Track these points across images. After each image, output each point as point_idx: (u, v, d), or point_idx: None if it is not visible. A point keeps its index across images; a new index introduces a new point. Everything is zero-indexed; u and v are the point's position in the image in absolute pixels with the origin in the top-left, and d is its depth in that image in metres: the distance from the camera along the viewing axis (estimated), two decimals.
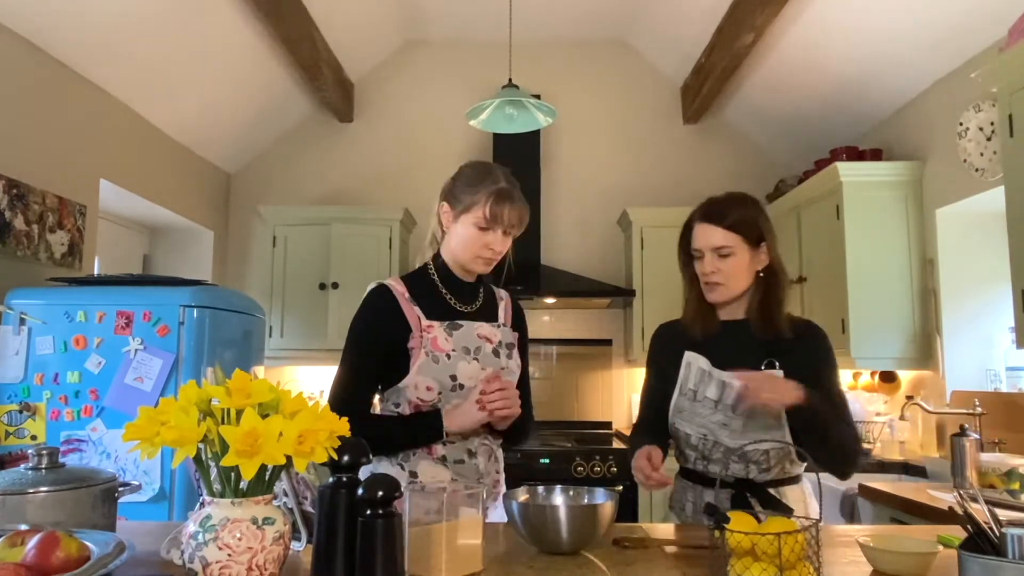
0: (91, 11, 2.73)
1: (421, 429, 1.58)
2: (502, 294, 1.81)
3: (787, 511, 1.50)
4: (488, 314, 1.72)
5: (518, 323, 1.79)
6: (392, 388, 1.63)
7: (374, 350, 1.61)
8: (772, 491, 1.60)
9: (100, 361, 2.42)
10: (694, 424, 1.64)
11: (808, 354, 1.60)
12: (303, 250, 4.01)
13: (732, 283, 1.63)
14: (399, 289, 1.65)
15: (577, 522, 1.25)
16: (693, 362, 1.66)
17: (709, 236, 1.62)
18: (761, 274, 1.65)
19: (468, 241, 1.62)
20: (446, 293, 1.68)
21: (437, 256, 1.71)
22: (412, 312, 1.62)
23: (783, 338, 1.60)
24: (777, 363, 1.58)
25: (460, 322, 1.64)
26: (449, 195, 1.66)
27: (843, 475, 1.60)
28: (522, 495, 1.40)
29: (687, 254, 1.70)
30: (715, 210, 1.63)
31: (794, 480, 1.64)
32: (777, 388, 1.46)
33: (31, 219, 2.69)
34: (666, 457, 1.74)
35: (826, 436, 1.49)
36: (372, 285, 1.68)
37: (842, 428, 1.52)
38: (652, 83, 4.54)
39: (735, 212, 1.61)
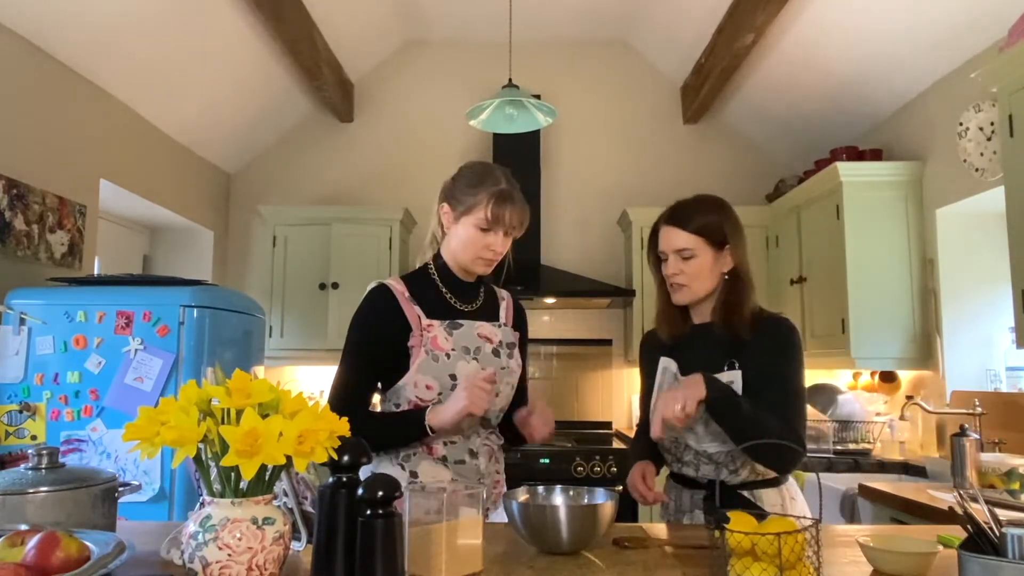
0: (91, 11, 2.73)
1: (404, 426, 1.57)
2: (503, 294, 1.81)
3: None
4: (489, 314, 1.72)
5: (519, 323, 1.79)
6: (392, 388, 1.62)
7: (373, 349, 1.61)
8: (747, 493, 1.60)
9: (100, 361, 2.42)
10: (666, 428, 1.65)
11: (765, 351, 1.59)
12: (303, 250, 4.01)
13: (695, 285, 1.64)
14: (399, 288, 1.64)
15: (577, 522, 1.25)
16: (668, 367, 1.69)
17: (672, 239, 1.64)
18: (726, 276, 1.66)
19: (469, 242, 1.62)
20: (446, 293, 1.68)
21: (437, 256, 1.71)
22: (412, 311, 1.62)
23: (743, 338, 1.60)
24: (737, 363, 1.59)
25: (460, 321, 1.64)
26: (449, 196, 1.66)
27: (779, 471, 1.59)
28: (522, 495, 1.40)
29: (656, 256, 1.72)
30: (680, 213, 1.65)
31: (771, 483, 1.63)
32: (668, 401, 1.45)
33: (31, 219, 2.69)
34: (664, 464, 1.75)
35: (736, 433, 1.45)
36: (372, 285, 1.68)
37: (759, 424, 1.44)
38: (652, 83, 4.54)
39: (699, 216, 1.63)
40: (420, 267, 1.73)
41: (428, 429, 1.53)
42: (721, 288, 1.66)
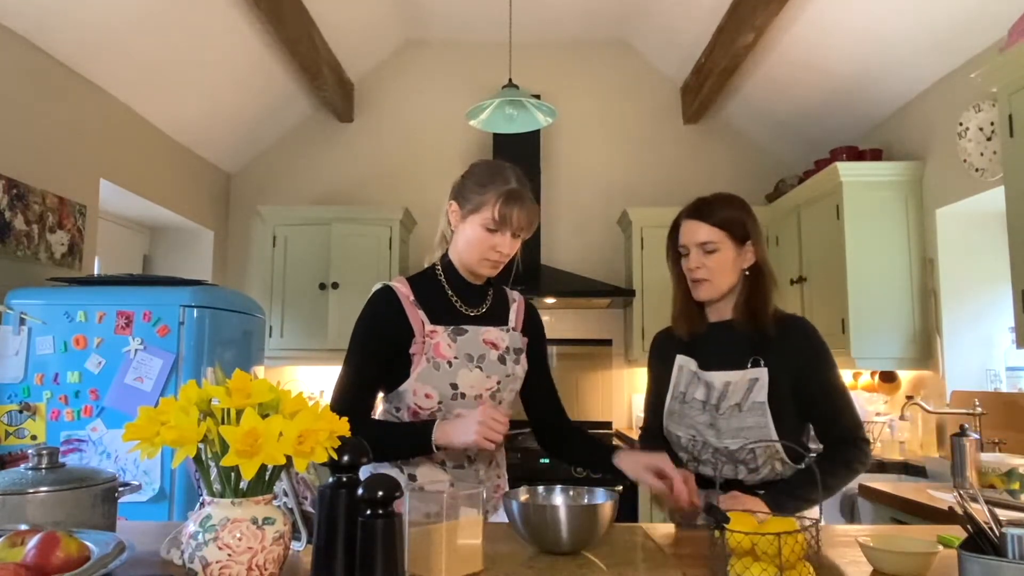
0: (91, 11, 2.73)
1: (410, 439, 1.54)
2: (515, 296, 1.76)
3: None
4: (496, 317, 1.67)
5: (531, 327, 1.74)
6: (394, 391, 1.60)
7: (375, 353, 1.58)
8: (763, 493, 1.59)
9: (100, 361, 2.42)
10: (683, 426, 1.66)
11: (793, 351, 1.60)
12: (303, 250, 4.01)
13: (717, 280, 1.63)
14: (403, 291, 1.60)
15: (577, 522, 1.25)
16: (684, 365, 1.69)
17: (695, 232, 1.64)
18: (747, 273, 1.65)
19: (475, 242, 1.57)
20: (452, 296, 1.63)
21: (444, 257, 1.66)
22: (416, 316, 1.58)
23: (768, 336, 1.60)
24: (762, 360, 1.59)
25: (465, 327, 1.60)
26: (458, 194, 1.61)
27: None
28: (522, 495, 1.39)
29: (675, 252, 1.71)
30: (703, 207, 1.65)
31: None
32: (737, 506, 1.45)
33: (31, 219, 2.69)
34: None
35: (817, 499, 1.50)
36: (377, 286, 1.64)
37: (828, 479, 1.51)
38: (652, 83, 4.54)
39: (721, 210, 1.64)
40: (428, 268, 1.68)
41: (434, 447, 1.49)
42: (743, 285, 1.66)
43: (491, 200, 1.54)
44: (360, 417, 1.56)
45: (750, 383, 1.58)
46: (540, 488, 1.44)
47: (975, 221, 3.07)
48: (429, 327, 1.57)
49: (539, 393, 1.75)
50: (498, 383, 1.61)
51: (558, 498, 1.42)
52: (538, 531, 1.26)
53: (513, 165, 1.63)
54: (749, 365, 1.60)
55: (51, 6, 2.60)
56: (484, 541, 1.18)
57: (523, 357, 1.68)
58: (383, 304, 1.60)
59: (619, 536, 1.42)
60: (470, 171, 1.64)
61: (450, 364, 1.56)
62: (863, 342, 3.19)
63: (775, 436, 1.55)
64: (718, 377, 1.62)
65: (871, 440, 1.60)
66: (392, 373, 1.59)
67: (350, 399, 1.56)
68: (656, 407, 1.75)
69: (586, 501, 1.39)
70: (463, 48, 4.52)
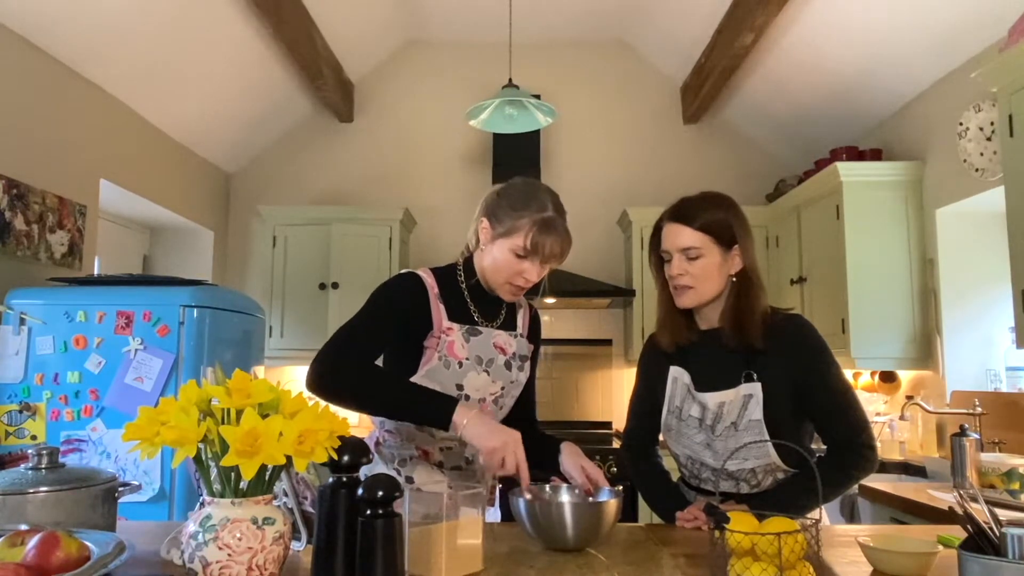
0: (91, 11, 2.73)
1: (431, 402, 1.42)
2: (521, 301, 1.75)
3: None
4: (507, 323, 1.67)
5: (534, 334, 1.74)
6: None
7: (389, 322, 1.53)
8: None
9: (100, 361, 2.42)
10: (680, 445, 1.61)
11: (788, 357, 1.51)
12: (303, 250, 4.01)
13: (701, 287, 1.54)
14: (429, 282, 1.58)
15: (584, 519, 1.26)
16: (679, 377, 1.61)
17: (677, 236, 1.54)
18: (734, 279, 1.56)
19: (502, 265, 1.53)
20: (471, 304, 1.62)
21: (469, 265, 1.63)
22: (437, 310, 1.56)
23: (758, 346, 1.51)
24: (755, 375, 1.50)
25: (479, 328, 1.60)
26: (491, 213, 1.55)
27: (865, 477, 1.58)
28: (527, 492, 1.39)
29: (658, 257, 1.62)
30: (685, 210, 1.56)
31: None
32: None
33: (31, 219, 2.69)
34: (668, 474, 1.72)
35: (814, 504, 1.44)
36: (402, 271, 1.61)
37: (825, 487, 1.38)
38: (652, 83, 4.54)
39: (706, 212, 1.53)
40: (448, 266, 1.66)
41: (451, 426, 1.39)
42: (729, 291, 1.56)
43: (525, 227, 1.50)
44: (370, 363, 1.47)
45: (744, 400, 1.50)
46: (546, 485, 1.45)
47: (975, 221, 3.07)
48: (446, 323, 1.56)
49: (519, 397, 1.71)
50: (502, 388, 1.61)
51: (564, 496, 1.43)
52: (545, 528, 1.27)
53: (550, 188, 1.58)
54: (743, 380, 1.51)
55: (51, 6, 2.60)
56: (484, 541, 1.18)
57: (527, 364, 1.68)
58: (412, 289, 1.56)
59: (619, 535, 1.42)
60: (505, 190, 1.58)
61: (460, 365, 1.55)
62: (863, 342, 3.19)
63: (774, 453, 1.49)
64: (712, 398, 1.54)
65: (876, 445, 1.52)
66: (400, 362, 1.57)
67: (364, 341, 1.48)
68: (647, 413, 1.69)
69: (591, 499, 1.40)
70: (463, 48, 4.52)
